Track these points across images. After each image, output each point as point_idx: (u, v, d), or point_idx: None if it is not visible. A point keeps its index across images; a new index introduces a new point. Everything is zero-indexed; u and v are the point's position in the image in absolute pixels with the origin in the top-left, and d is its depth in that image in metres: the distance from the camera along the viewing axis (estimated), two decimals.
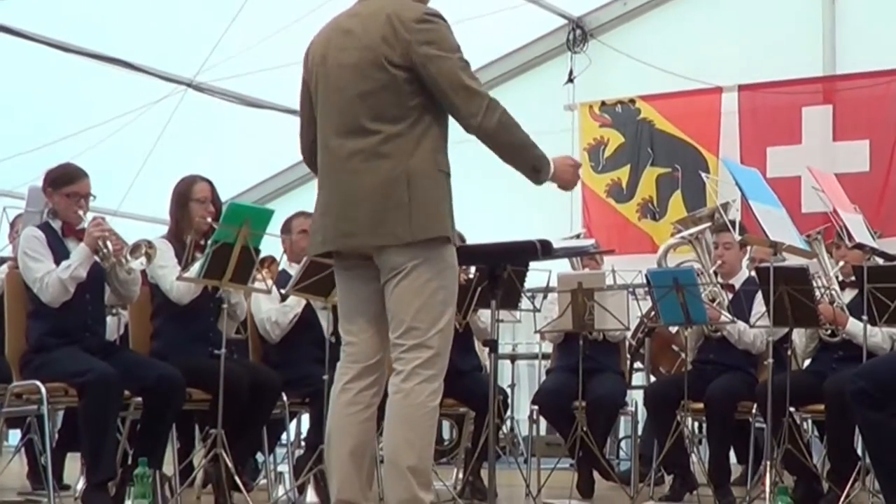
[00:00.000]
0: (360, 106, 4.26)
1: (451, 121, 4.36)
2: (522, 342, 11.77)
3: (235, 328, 6.71)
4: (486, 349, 5.94)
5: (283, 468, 6.90)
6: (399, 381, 4.22)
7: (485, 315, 7.01)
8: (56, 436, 7.07)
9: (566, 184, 4.46)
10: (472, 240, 6.28)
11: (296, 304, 6.89)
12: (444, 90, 4.20)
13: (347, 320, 4.45)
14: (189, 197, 6.45)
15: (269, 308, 6.93)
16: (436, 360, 4.24)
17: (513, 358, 11.43)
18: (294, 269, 6.73)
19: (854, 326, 6.59)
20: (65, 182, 6.02)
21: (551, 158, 4.37)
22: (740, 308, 7.09)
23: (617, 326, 7.20)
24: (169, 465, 6.30)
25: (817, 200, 7.41)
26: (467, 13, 9.25)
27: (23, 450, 7.33)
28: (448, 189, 4.32)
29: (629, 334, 8.05)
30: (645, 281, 7.41)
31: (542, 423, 8.48)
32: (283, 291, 6.72)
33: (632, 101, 12.08)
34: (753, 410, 6.83)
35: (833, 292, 6.73)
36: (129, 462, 5.92)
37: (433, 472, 4.54)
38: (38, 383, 5.69)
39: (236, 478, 5.98)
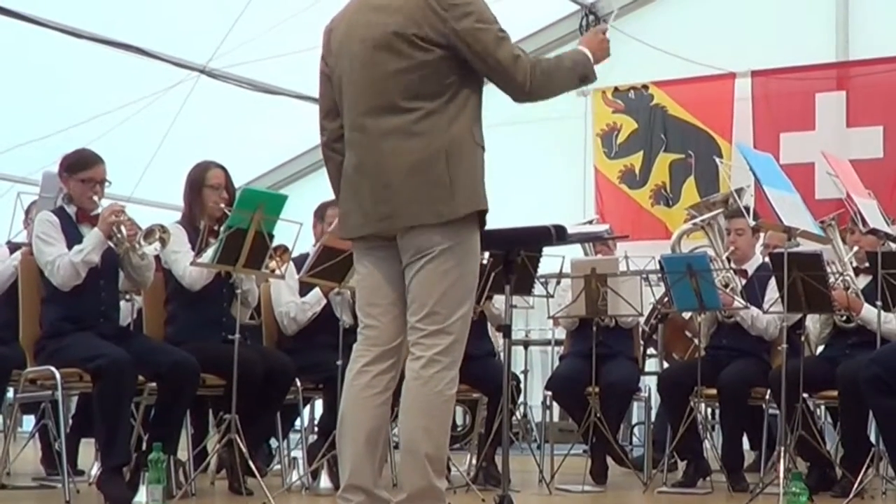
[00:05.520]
0: (393, 83, 4.12)
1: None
2: (535, 328, 11.78)
3: (249, 314, 6.71)
4: (500, 334, 5.94)
5: (297, 453, 6.91)
6: (418, 368, 4.12)
7: (499, 302, 7.00)
8: (70, 421, 7.09)
9: (605, 59, 4.46)
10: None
11: (315, 302, 6.91)
12: (489, 63, 4.10)
13: (368, 303, 4.30)
14: (203, 183, 6.45)
15: (290, 302, 6.94)
16: (455, 346, 4.15)
17: (526, 344, 11.41)
18: None
19: (868, 312, 6.56)
20: (80, 167, 6.03)
21: (586, 50, 4.34)
22: (753, 294, 7.08)
23: (630, 312, 7.20)
24: (183, 451, 6.33)
25: (831, 187, 7.39)
26: None
27: (37, 435, 7.36)
28: (483, 163, 4.22)
29: (642, 320, 8.04)
30: (658, 267, 7.40)
31: (556, 408, 8.49)
32: (298, 276, 6.70)
33: (645, 86, 12.04)
34: (767, 396, 6.82)
35: (847, 278, 6.70)
36: (144, 447, 5.93)
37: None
38: (53, 369, 5.69)
39: (250, 463, 5.97)
